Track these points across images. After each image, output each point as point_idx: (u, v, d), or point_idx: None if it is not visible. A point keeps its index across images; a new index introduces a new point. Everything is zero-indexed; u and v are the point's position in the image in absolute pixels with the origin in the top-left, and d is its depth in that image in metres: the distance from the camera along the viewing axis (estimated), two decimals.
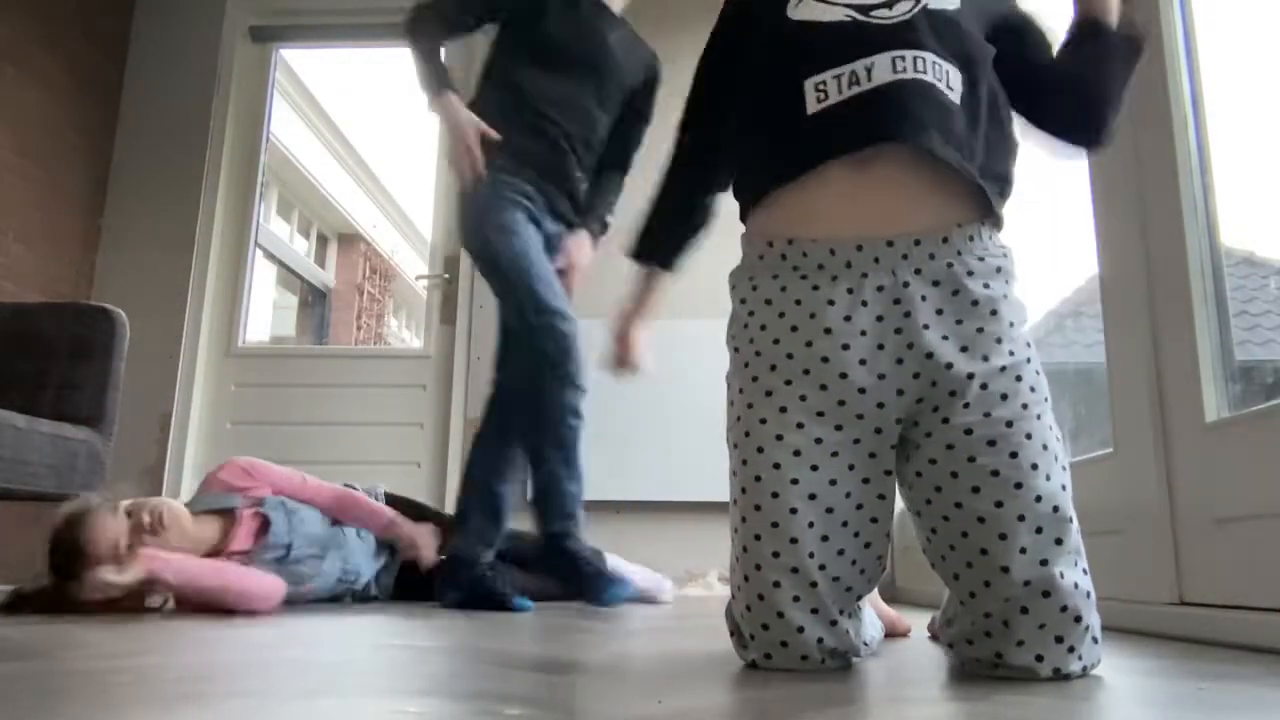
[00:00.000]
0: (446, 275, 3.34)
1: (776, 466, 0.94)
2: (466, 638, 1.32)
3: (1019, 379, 0.95)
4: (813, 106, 0.98)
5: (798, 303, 0.98)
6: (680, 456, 3.01)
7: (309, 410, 3.29)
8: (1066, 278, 2.71)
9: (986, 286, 0.97)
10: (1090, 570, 0.92)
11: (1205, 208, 1.49)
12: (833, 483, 0.95)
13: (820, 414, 0.95)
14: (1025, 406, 0.94)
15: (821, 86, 0.98)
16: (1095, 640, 0.91)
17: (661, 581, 2.38)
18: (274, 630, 1.42)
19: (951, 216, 0.97)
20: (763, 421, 0.97)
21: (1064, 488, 0.92)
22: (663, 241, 1.24)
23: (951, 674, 0.94)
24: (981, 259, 0.98)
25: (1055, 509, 0.90)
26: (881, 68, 0.96)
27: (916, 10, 0.99)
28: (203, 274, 3.36)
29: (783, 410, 0.96)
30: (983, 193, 0.98)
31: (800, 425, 0.95)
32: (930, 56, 0.96)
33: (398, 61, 4.16)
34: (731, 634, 1.02)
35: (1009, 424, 0.92)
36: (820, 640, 0.93)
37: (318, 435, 3.26)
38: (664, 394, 3.05)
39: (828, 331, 0.96)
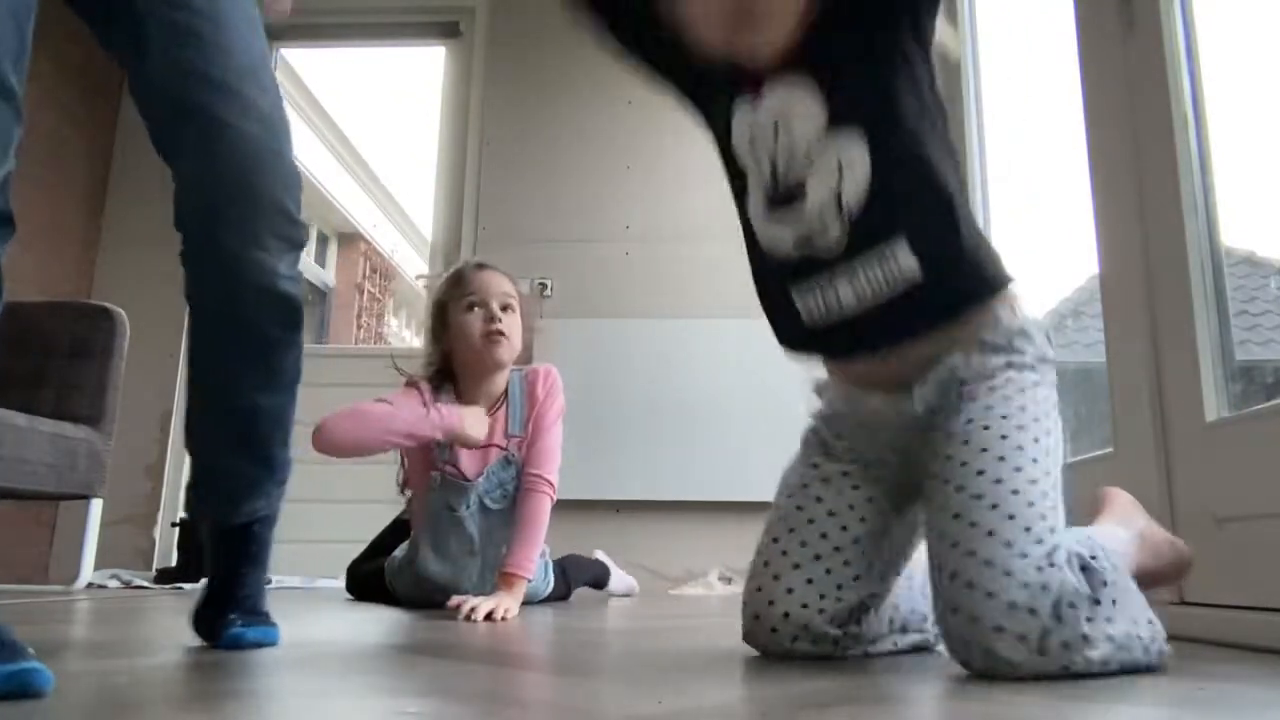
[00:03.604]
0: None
1: (804, 486, 1.12)
2: (467, 638, 1.33)
3: (1005, 417, 0.99)
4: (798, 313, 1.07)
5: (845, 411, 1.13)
6: (680, 456, 3.01)
7: (308, 410, 3.28)
8: (1066, 277, 2.72)
9: (991, 378, 1.03)
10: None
11: (1205, 208, 1.49)
12: (850, 507, 1.09)
13: (845, 473, 1.11)
14: (1005, 417, 0.98)
15: (798, 299, 1.07)
16: (1085, 637, 0.87)
17: (633, 584, 2.62)
18: None
19: (944, 345, 1.04)
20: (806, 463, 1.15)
21: (1033, 482, 0.94)
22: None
23: (952, 674, 0.94)
24: (982, 354, 1.04)
25: (1015, 491, 0.92)
26: (845, 297, 1.03)
27: (845, 231, 1.01)
28: None
29: (822, 457, 1.14)
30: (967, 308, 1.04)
31: (822, 463, 1.13)
32: (872, 275, 1.01)
33: (398, 61, 4.17)
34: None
35: (986, 427, 0.98)
36: (806, 626, 1.03)
37: None
38: (664, 394, 3.05)
39: (860, 425, 1.11)
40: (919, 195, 1.01)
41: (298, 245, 1.07)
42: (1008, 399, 1.00)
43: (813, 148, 1.01)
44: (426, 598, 1.90)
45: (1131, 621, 0.93)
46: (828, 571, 1.05)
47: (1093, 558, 0.93)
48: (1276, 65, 1.69)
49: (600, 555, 2.51)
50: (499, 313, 1.94)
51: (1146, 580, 1.04)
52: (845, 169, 1.00)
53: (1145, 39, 1.57)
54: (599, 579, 2.43)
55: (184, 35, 1.00)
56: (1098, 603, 0.90)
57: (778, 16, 1.01)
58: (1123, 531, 1.11)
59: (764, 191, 1.06)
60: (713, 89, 1.10)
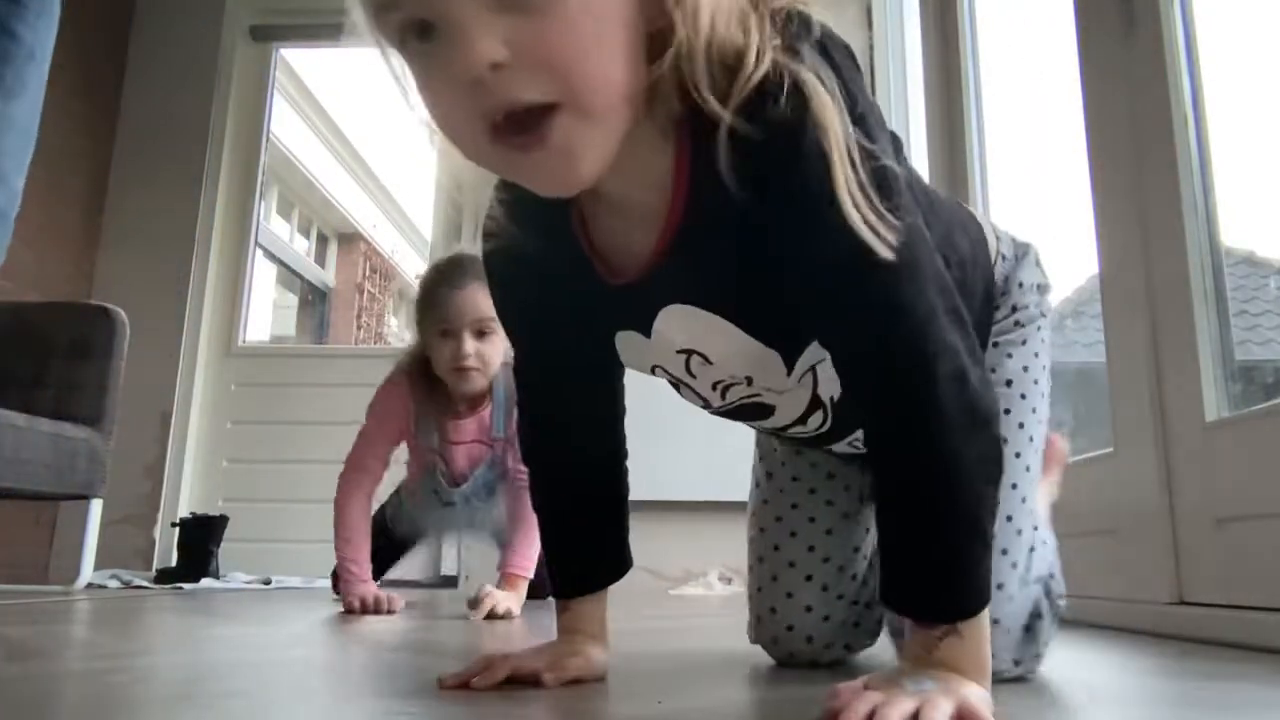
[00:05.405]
0: None
1: (793, 479, 1.09)
2: (466, 638, 1.33)
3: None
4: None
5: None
6: (678, 456, 3.00)
7: (309, 410, 3.29)
8: (1067, 277, 2.72)
9: None
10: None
11: (1205, 208, 1.49)
12: (829, 502, 1.06)
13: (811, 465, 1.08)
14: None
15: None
16: (1039, 655, 0.88)
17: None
18: (273, 630, 1.42)
19: None
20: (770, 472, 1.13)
21: (1028, 469, 0.90)
22: None
23: None
24: None
25: (1014, 485, 0.89)
26: (840, 449, 1.00)
27: (827, 415, 0.89)
28: (203, 273, 3.35)
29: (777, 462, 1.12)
30: None
31: (777, 472, 1.12)
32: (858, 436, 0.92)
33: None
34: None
35: None
36: (825, 619, 1.00)
37: (318, 435, 3.25)
38: (662, 393, 3.05)
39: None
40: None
41: None
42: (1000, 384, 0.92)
43: (753, 374, 0.83)
44: (419, 535, 2.06)
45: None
46: (825, 560, 1.02)
47: (1051, 576, 0.92)
48: (1276, 65, 1.69)
49: None
50: (470, 344, 1.74)
51: None
52: (819, 371, 0.81)
53: (1145, 39, 1.57)
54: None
55: None
56: (1055, 619, 0.91)
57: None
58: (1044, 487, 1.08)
59: (699, 403, 0.94)
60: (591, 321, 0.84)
